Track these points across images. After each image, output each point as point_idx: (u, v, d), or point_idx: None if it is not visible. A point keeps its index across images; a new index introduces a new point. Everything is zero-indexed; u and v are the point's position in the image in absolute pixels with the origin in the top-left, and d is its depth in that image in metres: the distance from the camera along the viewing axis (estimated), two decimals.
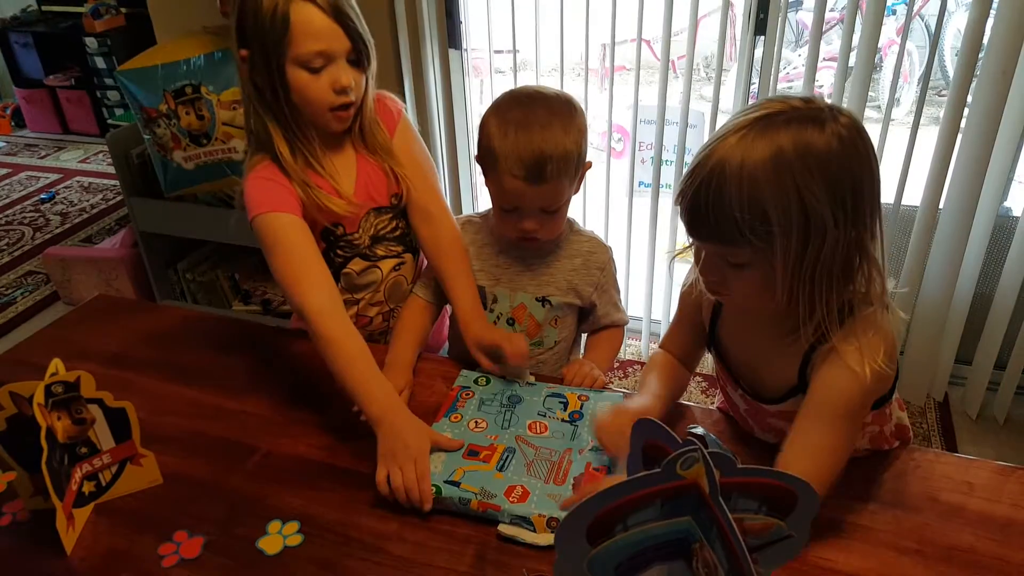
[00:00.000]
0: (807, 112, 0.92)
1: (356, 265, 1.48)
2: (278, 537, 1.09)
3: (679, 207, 0.99)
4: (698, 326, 1.24)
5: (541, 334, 1.45)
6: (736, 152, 0.91)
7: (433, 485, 1.11)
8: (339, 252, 1.45)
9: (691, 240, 1.02)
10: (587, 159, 1.35)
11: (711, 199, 0.92)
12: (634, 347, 2.84)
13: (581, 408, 1.27)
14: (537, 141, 1.24)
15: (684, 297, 1.23)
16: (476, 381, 1.34)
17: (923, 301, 2.36)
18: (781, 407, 1.11)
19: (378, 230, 1.47)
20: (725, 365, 1.20)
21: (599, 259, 1.44)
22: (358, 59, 1.31)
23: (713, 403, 1.38)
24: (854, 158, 0.91)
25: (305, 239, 1.32)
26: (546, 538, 1.05)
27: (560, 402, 1.29)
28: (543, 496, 1.09)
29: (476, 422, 1.24)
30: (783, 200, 0.89)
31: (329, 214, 1.38)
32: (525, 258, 1.43)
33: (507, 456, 1.17)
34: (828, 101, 0.95)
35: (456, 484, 1.11)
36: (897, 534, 1.05)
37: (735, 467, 0.67)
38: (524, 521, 1.06)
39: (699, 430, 1.15)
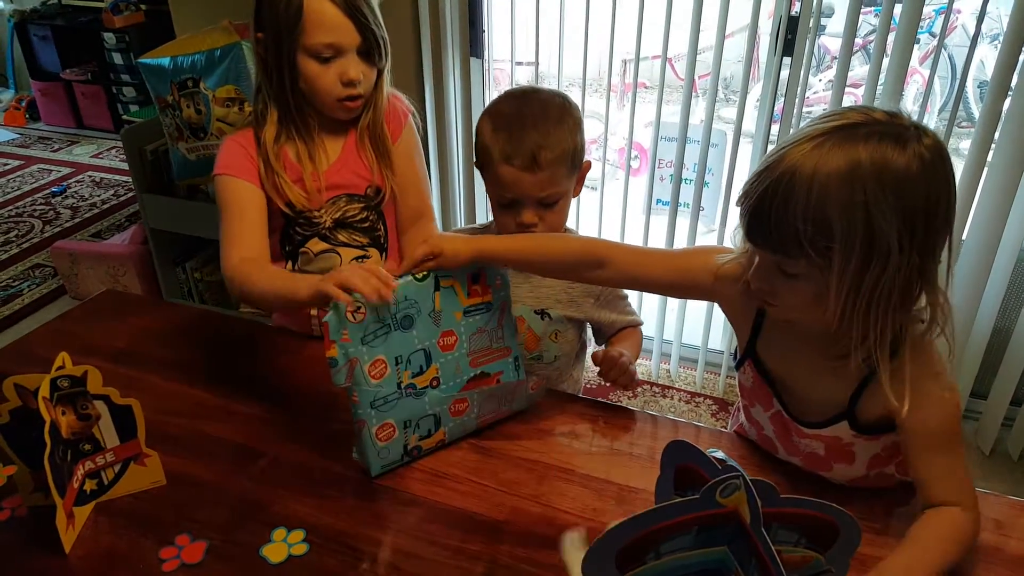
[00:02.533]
0: (890, 128, 0.87)
1: (315, 245, 1.48)
2: (283, 545, 1.05)
3: (740, 208, 0.95)
4: (672, 286, 1.22)
5: (540, 348, 1.42)
6: (810, 160, 0.87)
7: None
8: (298, 229, 1.46)
9: (746, 246, 0.99)
10: (586, 159, 1.34)
11: (776, 205, 0.88)
12: (644, 367, 2.80)
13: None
14: (531, 130, 1.26)
15: (709, 269, 1.13)
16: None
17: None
18: (822, 432, 1.08)
19: (345, 215, 1.47)
20: (767, 381, 1.14)
21: None
22: (368, 53, 1.34)
23: (720, 425, 1.34)
24: (932, 183, 0.87)
25: (256, 210, 1.38)
26: None
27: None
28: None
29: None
30: (850, 217, 0.86)
31: (283, 196, 1.40)
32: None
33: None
34: (914, 120, 0.90)
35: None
36: None
37: (778, 496, 0.63)
38: None
39: (719, 454, 1.12)
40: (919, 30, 2.13)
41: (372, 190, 1.48)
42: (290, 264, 1.49)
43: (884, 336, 0.93)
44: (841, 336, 0.96)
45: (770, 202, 0.89)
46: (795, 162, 0.87)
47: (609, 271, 1.17)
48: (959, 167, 2.12)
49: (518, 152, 1.26)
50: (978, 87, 4.64)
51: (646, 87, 4.67)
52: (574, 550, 1.02)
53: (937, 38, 2.20)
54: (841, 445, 1.08)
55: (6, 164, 4.68)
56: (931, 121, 4.57)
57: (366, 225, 1.50)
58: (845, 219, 0.86)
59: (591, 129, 1.35)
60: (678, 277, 1.18)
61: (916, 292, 0.92)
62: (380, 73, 1.40)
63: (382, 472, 1.17)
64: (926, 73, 4.17)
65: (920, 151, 0.86)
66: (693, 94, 2.39)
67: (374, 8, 1.33)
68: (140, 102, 4.74)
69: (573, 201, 1.40)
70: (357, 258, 1.50)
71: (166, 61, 2.39)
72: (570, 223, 1.45)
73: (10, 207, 4.13)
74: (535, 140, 1.25)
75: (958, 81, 2.33)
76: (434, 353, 1.19)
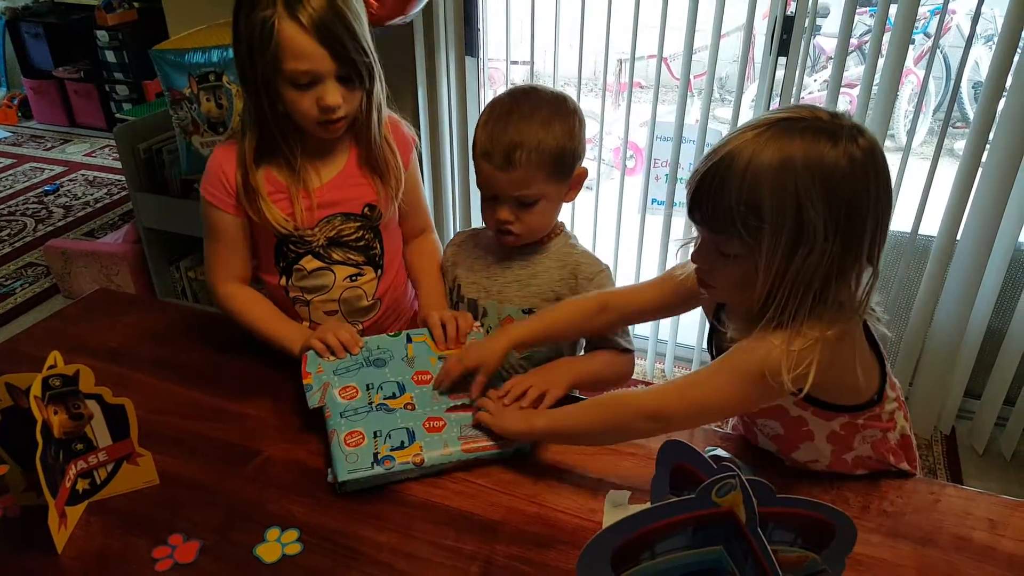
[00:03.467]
0: (827, 126, 0.92)
1: (308, 263, 1.45)
2: (276, 545, 1.05)
3: (686, 187, 1.00)
4: (667, 305, 1.27)
5: (530, 349, 1.41)
6: (748, 148, 0.92)
7: (362, 474, 1.13)
8: (291, 246, 1.44)
9: (693, 229, 1.04)
10: (581, 166, 1.33)
11: (714, 186, 0.94)
12: (640, 367, 2.80)
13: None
14: (512, 128, 1.26)
15: (672, 278, 1.23)
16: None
17: (935, 332, 2.33)
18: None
19: (340, 234, 1.44)
20: None
21: (588, 270, 1.39)
22: (348, 78, 1.28)
23: (715, 425, 1.34)
24: (860, 182, 0.92)
25: (234, 237, 1.42)
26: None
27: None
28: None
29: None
30: (781, 202, 0.91)
31: (263, 217, 1.37)
32: (513, 269, 1.42)
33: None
34: (855, 121, 0.95)
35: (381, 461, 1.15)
36: (919, 570, 1.01)
37: (774, 496, 0.63)
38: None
39: (721, 452, 1.12)
40: (914, 30, 2.14)
41: (368, 208, 1.44)
42: (284, 279, 1.46)
43: (797, 322, 0.96)
44: (759, 317, 1.00)
45: (710, 183, 0.94)
46: (736, 148, 0.93)
47: (611, 313, 1.28)
48: (953, 167, 2.14)
49: (495, 149, 1.26)
50: (972, 87, 4.65)
51: (641, 87, 4.68)
52: (613, 508, 1.06)
53: (932, 38, 2.21)
54: (792, 420, 1.10)
55: None
56: (926, 121, 4.58)
57: (361, 244, 1.46)
58: (775, 203, 0.91)
59: (586, 129, 1.35)
60: (668, 294, 1.25)
61: (833, 284, 0.95)
62: (369, 94, 1.34)
63: (351, 481, 1.11)
64: (921, 73, 4.19)
65: (852, 150, 0.91)
66: (688, 94, 2.39)
67: (356, 32, 1.26)
68: (133, 100, 4.72)
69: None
70: (352, 276, 1.47)
71: (185, 54, 2.35)
72: (567, 225, 1.45)
73: (2, 206, 4.11)
74: (512, 138, 1.25)
75: (953, 81, 2.33)
76: (408, 385, 1.26)
